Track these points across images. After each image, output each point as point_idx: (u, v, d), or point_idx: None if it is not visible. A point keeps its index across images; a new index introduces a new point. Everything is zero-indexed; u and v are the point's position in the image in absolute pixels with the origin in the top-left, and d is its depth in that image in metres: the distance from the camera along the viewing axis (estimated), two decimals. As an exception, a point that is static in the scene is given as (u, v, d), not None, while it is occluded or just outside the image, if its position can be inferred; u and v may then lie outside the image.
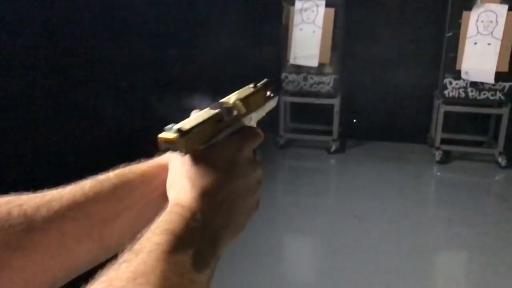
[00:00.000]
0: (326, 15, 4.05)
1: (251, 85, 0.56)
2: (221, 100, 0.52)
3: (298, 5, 4.08)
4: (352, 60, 4.32)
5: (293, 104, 4.52)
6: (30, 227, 0.46)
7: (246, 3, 4.46)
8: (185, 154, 0.45)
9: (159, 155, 0.55)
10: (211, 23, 3.97)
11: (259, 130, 0.53)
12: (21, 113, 1.92)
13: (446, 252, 3.02)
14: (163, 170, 0.52)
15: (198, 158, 0.47)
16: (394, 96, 4.54)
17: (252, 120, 0.55)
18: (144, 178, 0.53)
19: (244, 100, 0.53)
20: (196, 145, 0.46)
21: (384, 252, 2.83)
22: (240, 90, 0.55)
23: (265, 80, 0.57)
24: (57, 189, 0.50)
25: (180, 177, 0.47)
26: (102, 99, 2.59)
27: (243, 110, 0.52)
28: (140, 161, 0.55)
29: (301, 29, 4.11)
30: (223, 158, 0.47)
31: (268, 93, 0.58)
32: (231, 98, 0.52)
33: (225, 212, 0.46)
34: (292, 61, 4.17)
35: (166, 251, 0.38)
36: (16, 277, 0.45)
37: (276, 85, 4.18)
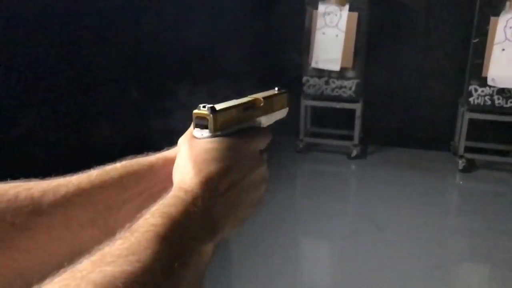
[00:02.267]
0: (349, 19, 4.02)
1: (276, 88, 0.61)
2: (249, 96, 0.57)
3: (321, 8, 4.06)
4: (375, 65, 4.28)
5: (314, 108, 4.50)
6: (36, 210, 0.47)
7: (269, 6, 4.47)
8: (213, 131, 0.49)
9: (167, 149, 0.56)
10: (233, 25, 3.99)
11: (269, 131, 0.56)
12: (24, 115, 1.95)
13: (467, 263, 2.94)
14: (170, 163, 0.53)
15: (207, 146, 0.48)
16: (418, 102, 4.47)
17: (262, 124, 0.58)
18: (151, 170, 0.54)
19: (268, 99, 0.58)
20: (223, 125, 0.50)
21: (402, 261, 2.78)
22: (265, 92, 0.60)
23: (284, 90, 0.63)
24: (64, 177, 0.51)
25: (186, 162, 0.48)
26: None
27: (266, 107, 0.57)
28: (147, 154, 0.56)
29: (323, 33, 4.09)
30: (231, 149, 0.49)
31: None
32: (256, 96, 0.58)
33: (227, 202, 0.47)
34: (314, 64, 4.16)
35: (161, 233, 0.39)
36: (20, 257, 0.46)
37: (295, 92, 4.18)
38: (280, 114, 0.62)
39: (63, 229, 0.48)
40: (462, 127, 3.99)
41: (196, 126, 0.50)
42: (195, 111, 0.50)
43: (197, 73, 3.17)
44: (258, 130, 0.55)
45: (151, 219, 0.40)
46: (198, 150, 0.48)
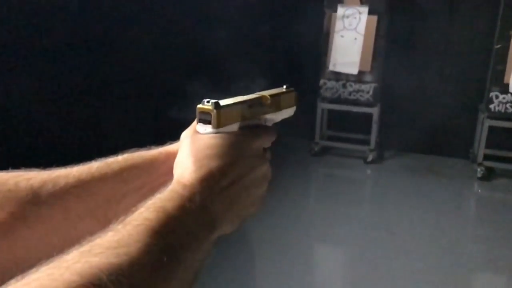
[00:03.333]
0: (368, 23, 3.99)
1: (284, 86, 0.61)
2: (256, 92, 0.57)
3: (340, 11, 4.04)
4: (394, 69, 4.22)
5: (330, 111, 4.47)
6: (35, 200, 0.47)
7: (287, 8, 4.46)
8: (216, 127, 0.48)
9: (170, 143, 0.56)
10: (250, 27, 3.99)
11: (273, 130, 0.55)
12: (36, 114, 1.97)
13: (484, 274, 2.88)
14: (172, 157, 0.52)
15: (209, 141, 0.48)
16: (437, 108, 4.40)
17: (267, 122, 0.58)
18: (152, 163, 0.54)
19: (275, 97, 0.57)
20: (227, 121, 0.49)
21: (416, 269, 2.73)
22: (273, 89, 0.59)
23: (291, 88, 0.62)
24: (65, 168, 0.51)
25: (187, 157, 0.47)
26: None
27: (273, 105, 0.57)
28: (150, 148, 0.56)
29: (342, 36, 4.06)
30: (233, 147, 0.48)
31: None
32: (264, 93, 0.57)
33: (227, 199, 0.46)
34: (331, 67, 4.13)
35: (154, 227, 0.38)
36: (18, 246, 0.46)
37: (311, 95, 4.15)
38: (287, 112, 0.61)
39: (62, 220, 0.48)
40: (482, 134, 3.91)
41: (200, 121, 0.50)
42: (199, 105, 0.49)
43: (213, 75, 3.18)
44: (263, 128, 0.54)
45: (145, 213, 0.40)
46: (200, 146, 0.47)
